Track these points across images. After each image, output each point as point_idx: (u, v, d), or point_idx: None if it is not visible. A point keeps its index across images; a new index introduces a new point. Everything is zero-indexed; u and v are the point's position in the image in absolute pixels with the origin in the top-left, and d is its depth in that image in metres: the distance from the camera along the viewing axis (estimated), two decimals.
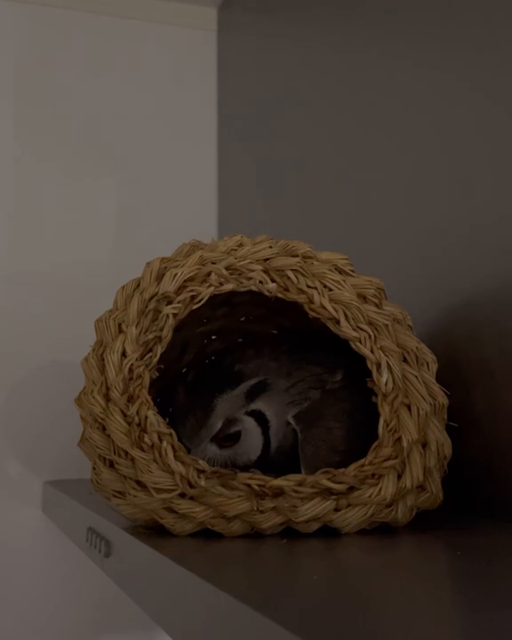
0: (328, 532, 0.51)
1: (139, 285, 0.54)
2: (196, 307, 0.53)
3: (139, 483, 0.50)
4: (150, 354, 0.52)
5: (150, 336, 0.52)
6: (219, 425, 0.55)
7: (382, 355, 0.52)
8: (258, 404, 0.57)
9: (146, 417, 0.50)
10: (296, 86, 0.93)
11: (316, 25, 0.89)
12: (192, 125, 1.15)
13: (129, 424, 0.50)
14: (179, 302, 0.53)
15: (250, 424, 0.56)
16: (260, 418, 0.57)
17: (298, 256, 0.55)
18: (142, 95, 1.14)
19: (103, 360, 0.53)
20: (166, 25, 1.15)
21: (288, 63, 0.96)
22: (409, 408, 0.52)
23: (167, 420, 0.53)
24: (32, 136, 1.07)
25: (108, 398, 0.51)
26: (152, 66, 1.15)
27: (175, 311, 0.52)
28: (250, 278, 0.54)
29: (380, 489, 0.50)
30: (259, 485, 0.49)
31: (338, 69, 0.84)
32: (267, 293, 0.54)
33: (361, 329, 0.53)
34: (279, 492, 0.49)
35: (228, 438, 0.56)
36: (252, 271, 0.54)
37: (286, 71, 0.96)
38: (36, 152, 1.07)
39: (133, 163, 1.12)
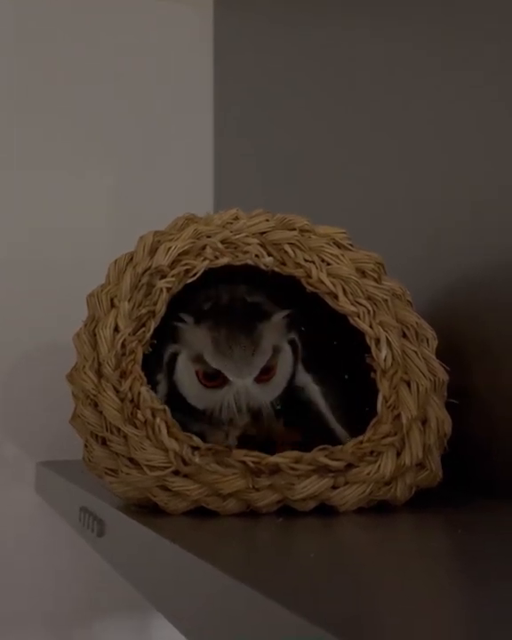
0: (325, 511, 0.49)
1: (131, 259, 0.53)
2: (190, 281, 0.52)
3: (131, 460, 0.49)
4: (143, 329, 0.50)
5: (143, 311, 0.51)
6: (270, 352, 0.51)
7: (381, 330, 0.51)
8: (292, 334, 0.54)
9: (139, 393, 0.49)
10: (293, 67, 0.92)
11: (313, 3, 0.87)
12: (189, 102, 1.13)
13: (121, 400, 0.49)
14: (172, 276, 0.51)
15: (287, 353, 0.54)
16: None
17: (295, 230, 0.54)
18: (139, 71, 1.12)
19: (95, 336, 0.51)
20: (164, 1, 1.13)
21: (284, 44, 0.94)
22: (408, 384, 0.51)
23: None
24: (23, 111, 1.05)
25: (100, 374, 0.50)
26: (149, 42, 1.13)
27: (169, 285, 0.51)
28: (246, 252, 0.53)
29: (379, 466, 0.49)
30: (254, 462, 0.48)
31: (335, 50, 0.82)
32: (263, 267, 0.53)
33: (359, 304, 0.52)
34: (275, 470, 0.48)
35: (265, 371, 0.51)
36: (249, 245, 0.53)
37: (283, 53, 0.94)
38: (29, 131, 1.05)
39: (128, 145, 1.10)
